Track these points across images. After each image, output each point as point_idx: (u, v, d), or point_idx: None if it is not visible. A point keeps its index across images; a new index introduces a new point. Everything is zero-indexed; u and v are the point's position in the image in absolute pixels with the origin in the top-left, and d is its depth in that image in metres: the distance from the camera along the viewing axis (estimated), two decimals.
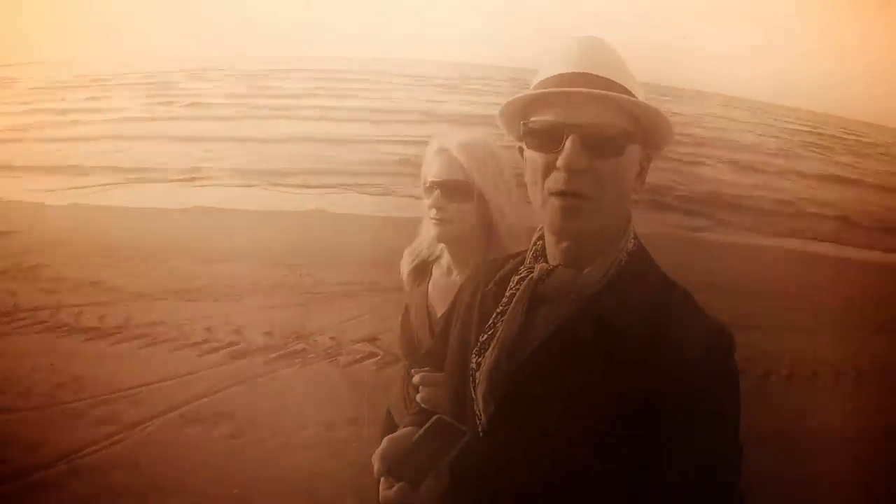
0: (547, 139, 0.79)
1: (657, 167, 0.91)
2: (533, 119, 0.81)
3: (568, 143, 0.76)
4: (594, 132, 0.76)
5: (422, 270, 1.48)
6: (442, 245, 1.40)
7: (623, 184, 0.80)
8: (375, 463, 0.85)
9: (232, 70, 29.43)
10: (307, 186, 8.20)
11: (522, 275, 0.89)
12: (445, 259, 1.43)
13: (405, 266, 1.49)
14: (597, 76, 0.78)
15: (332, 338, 3.58)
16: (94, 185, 7.83)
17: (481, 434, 0.89)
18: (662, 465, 0.73)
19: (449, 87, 26.73)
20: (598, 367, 0.79)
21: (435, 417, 0.89)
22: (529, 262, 0.90)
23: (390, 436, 0.90)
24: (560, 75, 0.79)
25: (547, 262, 0.87)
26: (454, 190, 1.28)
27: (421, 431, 0.88)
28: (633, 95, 0.78)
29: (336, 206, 7.11)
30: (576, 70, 0.78)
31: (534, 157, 0.81)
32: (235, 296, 4.07)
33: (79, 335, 3.45)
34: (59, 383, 2.91)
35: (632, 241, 0.85)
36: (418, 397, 1.11)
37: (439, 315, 1.37)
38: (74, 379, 2.95)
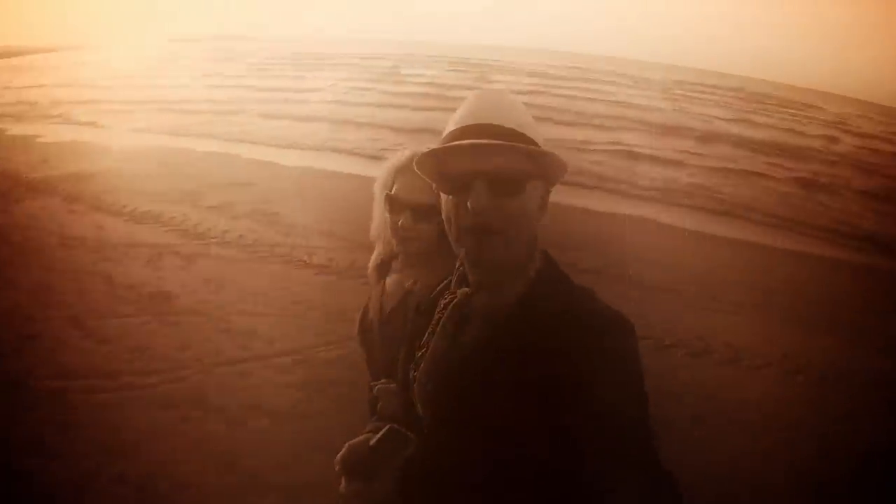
0: (458, 184, 0.90)
1: None
2: (446, 168, 0.92)
3: (476, 186, 0.87)
4: (498, 175, 0.87)
5: (385, 265, 1.51)
6: None
7: (527, 216, 0.91)
8: (337, 465, 1.00)
9: None
10: None
11: (447, 300, 1.01)
12: (401, 260, 1.48)
13: (372, 261, 1.53)
14: (500, 126, 0.89)
15: None
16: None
17: (429, 439, 1.02)
18: (582, 447, 0.84)
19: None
20: (517, 374, 0.88)
21: (387, 427, 1.00)
22: (454, 286, 1.02)
23: (350, 441, 1.04)
24: (468, 126, 0.90)
25: (468, 286, 0.98)
26: (424, 213, 1.29)
27: (375, 438, 1.00)
28: (534, 141, 0.90)
29: None
30: (482, 122, 0.90)
31: (448, 200, 0.92)
32: None
33: (311, 270, 4.32)
34: (294, 301, 3.78)
35: (538, 260, 0.96)
36: (378, 407, 1.22)
37: (385, 312, 1.44)
38: (307, 300, 3.81)
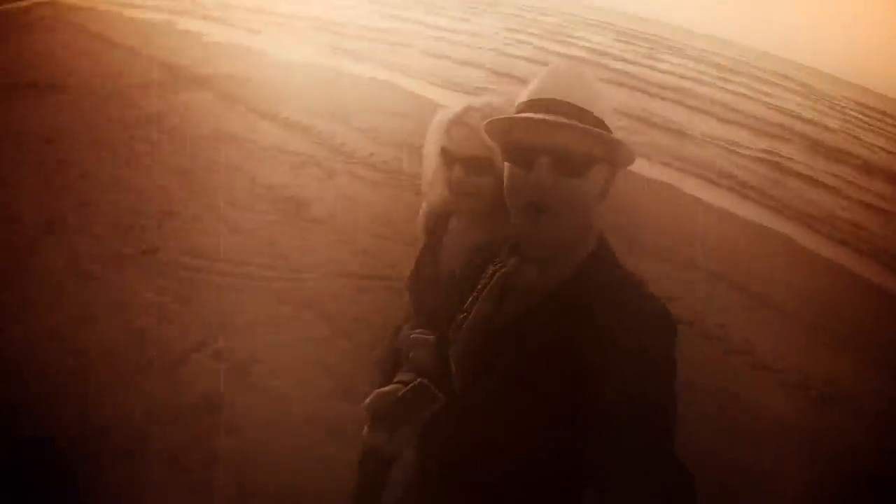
0: (523, 157, 0.90)
1: None
2: (513, 137, 0.92)
3: (540, 163, 0.87)
4: (564, 155, 0.87)
5: (439, 219, 1.46)
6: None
7: (585, 198, 0.90)
8: (364, 412, 1.00)
9: None
10: None
11: (497, 267, 1.01)
12: (458, 216, 1.43)
13: (421, 213, 1.50)
14: (573, 104, 0.88)
15: None
16: None
17: (456, 401, 1.00)
18: (604, 436, 0.84)
19: None
20: (551, 353, 0.90)
21: (417, 381, 0.98)
22: (505, 254, 1.02)
23: (379, 390, 1.03)
24: (541, 100, 0.89)
25: (519, 256, 0.97)
26: (475, 166, 1.27)
27: (404, 391, 0.98)
28: (605, 125, 0.89)
29: None
30: (555, 97, 0.89)
31: (510, 169, 0.92)
32: None
33: None
34: None
35: (593, 243, 0.96)
36: (410, 355, 1.17)
37: (443, 268, 1.41)
38: None
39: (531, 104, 0.90)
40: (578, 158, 0.87)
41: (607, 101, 0.93)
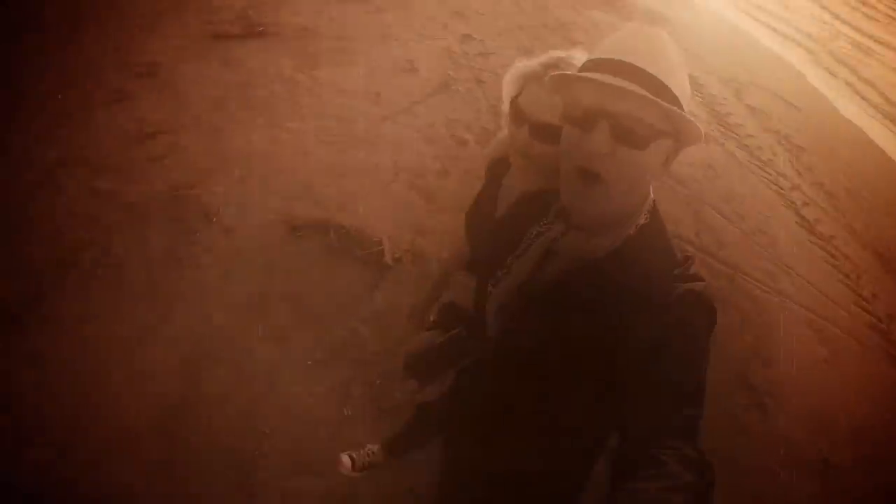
0: (583, 118, 0.84)
1: None
2: (576, 97, 0.85)
3: (599, 128, 0.82)
4: (626, 123, 0.81)
5: (503, 163, 1.40)
6: None
7: (643, 172, 0.85)
8: (403, 357, 1.07)
9: None
10: None
11: (542, 229, 0.98)
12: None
13: (487, 153, 1.46)
14: (644, 71, 0.81)
15: None
16: None
17: (488, 354, 1.02)
18: (629, 405, 0.84)
19: None
20: (589, 317, 0.88)
21: (455, 331, 1.01)
22: (552, 216, 0.98)
23: (418, 336, 1.09)
24: (612, 60, 0.82)
25: (566, 220, 0.94)
26: (543, 133, 1.16)
27: (440, 340, 1.01)
28: (675, 97, 0.82)
29: None
30: (626, 59, 0.82)
31: (568, 130, 0.87)
32: None
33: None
34: None
35: (645, 216, 0.92)
36: (453, 296, 1.19)
37: (500, 213, 1.35)
38: None
39: (600, 63, 0.83)
40: (641, 130, 0.82)
41: (683, 74, 0.85)
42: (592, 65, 0.84)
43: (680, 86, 0.84)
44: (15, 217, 3.03)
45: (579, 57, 1.12)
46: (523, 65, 1.21)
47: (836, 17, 8.64)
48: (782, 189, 4.15)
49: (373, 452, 2.08)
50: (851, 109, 6.07)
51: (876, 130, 5.82)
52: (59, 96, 3.75)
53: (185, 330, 2.55)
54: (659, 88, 0.81)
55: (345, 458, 2.04)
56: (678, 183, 3.75)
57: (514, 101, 1.20)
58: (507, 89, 1.24)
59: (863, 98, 6.34)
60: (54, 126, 3.63)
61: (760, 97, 5.32)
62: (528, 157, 1.20)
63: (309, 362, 2.43)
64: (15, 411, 2.27)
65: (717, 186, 3.89)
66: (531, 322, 0.96)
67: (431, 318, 1.43)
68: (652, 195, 0.94)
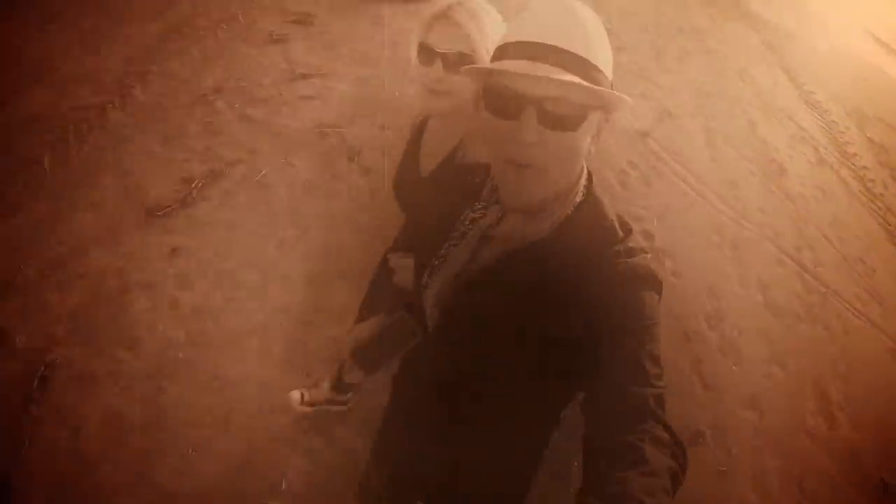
0: (506, 107, 0.80)
1: None
2: (495, 83, 0.81)
3: (524, 117, 0.78)
4: (552, 109, 0.78)
5: (420, 125, 1.46)
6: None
7: (576, 152, 0.83)
8: (347, 345, 1.05)
9: None
10: None
11: (476, 214, 0.96)
12: (435, 121, 1.39)
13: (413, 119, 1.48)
14: (563, 50, 0.77)
15: None
16: None
17: (429, 340, 1.02)
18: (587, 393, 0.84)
19: None
20: (529, 298, 0.86)
21: (398, 315, 0.99)
22: (485, 197, 0.96)
23: (361, 323, 1.07)
24: (527, 43, 0.78)
25: (500, 205, 0.92)
26: (456, 62, 1.19)
27: (385, 324, 1.00)
28: (598, 68, 0.79)
29: None
30: (543, 41, 0.77)
31: (491, 120, 0.83)
32: None
33: None
34: None
35: (581, 194, 0.90)
36: (394, 279, 1.19)
37: (423, 172, 1.39)
38: None
39: (517, 47, 0.79)
40: (570, 111, 0.79)
41: (602, 39, 0.82)
42: (510, 49, 0.80)
43: (600, 54, 0.80)
44: (172, 129, 3.50)
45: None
46: (424, 14, 1.24)
47: None
48: (888, 224, 4.15)
49: (321, 387, 2.23)
50: None
51: None
52: (218, 32, 4.21)
53: (319, 247, 2.92)
54: (581, 65, 0.77)
55: (294, 394, 2.20)
56: (787, 198, 3.84)
57: (421, 46, 1.23)
58: (415, 39, 1.25)
59: None
60: (213, 56, 4.11)
61: (882, 132, 5.24)
62: (445, 93, 1.22)
63: None
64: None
65: (824, 209, 3.94)
66: (471, 308, 0.94)
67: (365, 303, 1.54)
68: (586, 169, 0.92)
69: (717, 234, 3.34)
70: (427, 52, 1.22)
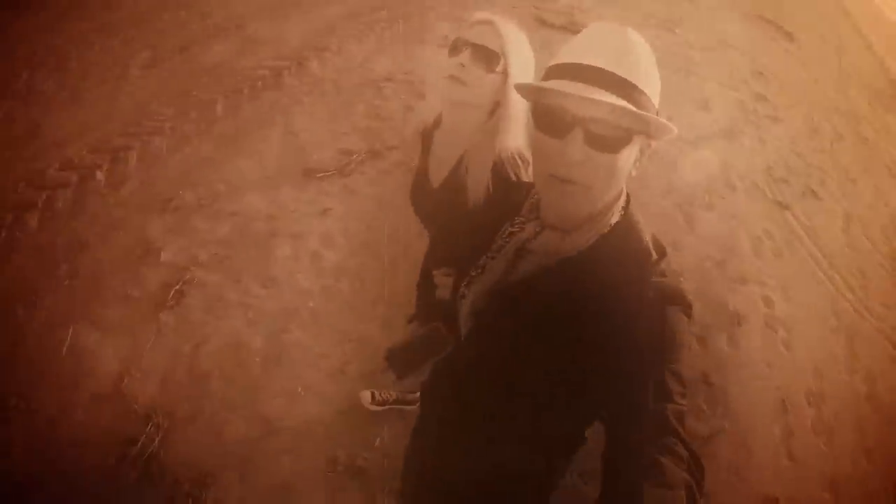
0: (555, 124, 0.82)
1: None
2: (545, 101, 0.83)
3: (571, 136, 0.80)
4: (598, 130, 0.79)
5: (427, 133, 1.47)
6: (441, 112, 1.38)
7: (618, 173, 0.83)
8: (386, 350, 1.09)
9: None
10: None
11: (514, 228, 0.98)
12: (445, 126, 1.40)
13: (416, 128, 1.51)
14: (612, 74, 0.78)
15: None
16: None
17: (461, 350, 1.04)
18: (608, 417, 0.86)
19: None
20: (560, 313, 0.87)
21: (433, 325, 1.03)
22: (525, 213, 0.98)
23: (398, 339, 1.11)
24: (577, 65, 0.80)
25: (539, 217, 0.94)
26: (484, 56, 1.25)
27: (419, 333, 1.04)
28: (646, 94, 0.80)
29: None
30: (593, 63, 0.79)
31: (539, 137, 0.84)
32: None
33: None
34: None
35: (619, 213, 0.91)
36: (437, 293, 1.20)
37: (434, 184, 1.41)
38: None
39: (565, 69, 0.81)
40: (615, 134, 0.80)
41: (651, 67, 0.83)
42: (558, 70, 0.83)
43: (649, 80, 0.82)
44: (340, 105, 3.75)
45: (482, 17, 1.28)
46: (475, 16, 1.32)
47: None
48: None
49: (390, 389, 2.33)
50: None
51: None
52: (395, 26, 4.47)
53: None
54: (628, 90, 0.79)
55: (365, 395, 2.33)
56: None
57: (456, 39, 1.30)
58: (452, 36, 1.33)
59: None
60: (387, 47, 4.42)
61: None
62: (465, 85, 1.27)
63: None
64: None
65: None
66: (504, 321, 0.95)
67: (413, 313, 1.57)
68: (625, 192, 0.93)
69: (836, 318, 3.28)
70: (459, 44, 1.28)
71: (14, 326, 2.89)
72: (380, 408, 2.32)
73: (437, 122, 1.46)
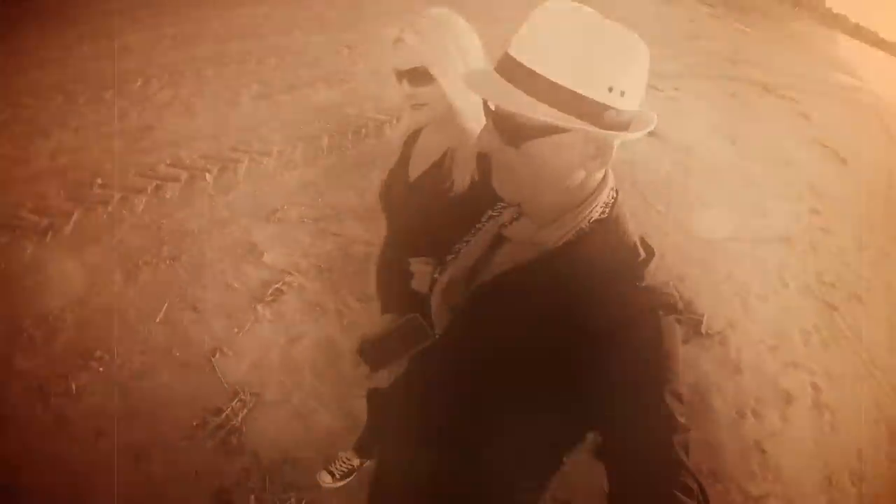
0: (484, 112, 0.84)
1: None
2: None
3: (484, 128, 0.83)
4: (505, 121, 0.80)
5: (412, 136, 1.51)
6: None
7: (547, 165, 0.80)
8: (357, 345, 1.01)
9: None
10: None
11: (493, 213, 0.96)
12: (424, 137, 1.44)
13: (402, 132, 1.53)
14: (536, 74, 0.74)
15: None
16: None
17: (437, 337, 0.99)
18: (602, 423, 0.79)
19: None
20: (531, 312, 0.84)
21: (410, 315, 0.96)
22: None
23: (371, 329, 1.03)
24: (506, 56, 0.78)
25: (517, 208, 0.92)
26: (416, 77, 1.28)
27: (396, 324, 0.97)
28: (582, 96, 0.74)
29: None
30: (517, 57, 0.76)
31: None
32: None
33: None
34: None
35: (599, 210, 0.86)
36: (413, 283, 1.16)
37: (412, 177, 1.43)
38: None
39: (500, 60, 0.80)
40: (518, 129, 0.78)
41: (606, 65, 0.75)
42: (499, 58, 0.80)
43: (594, 78, 0.74)
44: None
45: (437, 10, 1.29)
46: (386, 32, 1.31)
47: None
48: None
49: (347, 458, 2.25)
50: None
51: None
52: None
53: None
54: (551, 90, 0.74)
55: (324, 475, 2.24)
56: None
57: (394, 69, 1.32)
58: (385, 61, 1.34)
59: None
60: None
61: None
62: (422, 106, 1.32)
63: None
64: None
65: None
66: (481, 316, 0.92)
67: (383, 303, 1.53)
68: (614, 192, 0.90)
69: (878, 410, 3.47)
70: (397, 74, 1.32)
71: (110, 290, 3.03)
72: (344, 481, 2.25)
73: (418, 133, 1.52)
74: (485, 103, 0.83)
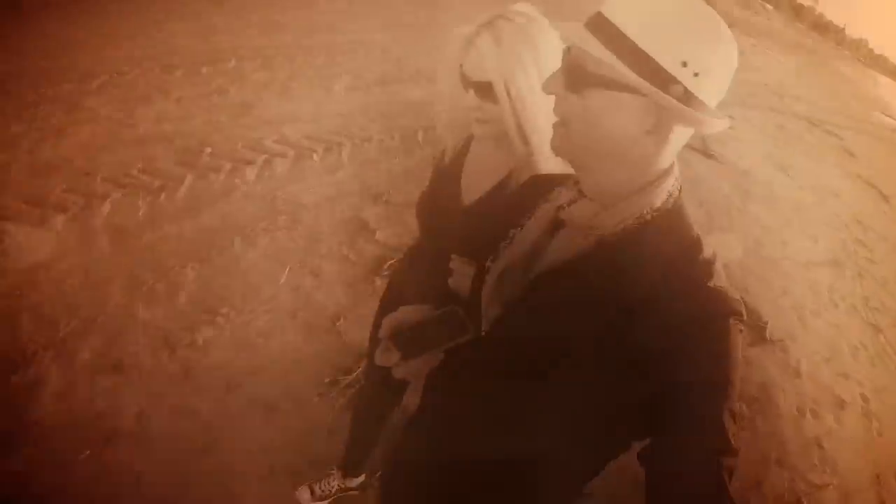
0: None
1: None
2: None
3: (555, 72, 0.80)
4: (574, 68, 0.78)
5: (463, 146, 1.38)
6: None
7: (608, 127, 0.77)
8: (385, 326, 0.91)
9: None
10: None
11: (551, 202, 0.91)
12: (484, 143, 1.30)
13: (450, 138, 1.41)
14: (624, 35, 0.72)
15: None
16: None
17: (483, 333, 0.93)
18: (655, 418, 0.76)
19: None
20: (596, 304, 0.80)
21: (450, 307, 0.91)
22: (567, 188, 0.90)
23: (406, 307, 0.95)
24: (599, 14, 0.76)
25: (578, 184, 0.87)
26: (484, 91, 1.14)
27: (433, 314, 0.91)
28: (653, 63, 0.71)
29: None
30: (612, 18, 0.74)
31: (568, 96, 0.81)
32: None
33: None
34: None
35: (663, 198, 0.82)
36: (449, 281, 1.12)
37: (470, 198, 1.30)
38: None
39: (594, 19, 0.76)
40: (585, 76, 0.76)
41: (684, 34, 0.72)
42: (594, 20, 0.77)
43: (666, 43, 0.72)
44: None
45: (520, 10, 1.15)
46: (460, 33, 1.18)
47: None
48: None
49: (331, 475, 2.17)
50: None
51: None
52: None
53: None
54: (634, 53, 0.72)
55: (303, 491, 2.12)
56: None
57: (461, 70, 1.18)
58: (453, 55, 1.20)
59: None
60: None
61: None
62: (483, 122, 1.19)
63: None
64: None
65: None
66: (535, 301, 0.88)
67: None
68: (678, 183, 0.85)
69: None
70: (463, 79, 1.19)
71: (230, 254, 3.31)
72: (322, 502, 2.16)
73: (470, 138, 1.38)
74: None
